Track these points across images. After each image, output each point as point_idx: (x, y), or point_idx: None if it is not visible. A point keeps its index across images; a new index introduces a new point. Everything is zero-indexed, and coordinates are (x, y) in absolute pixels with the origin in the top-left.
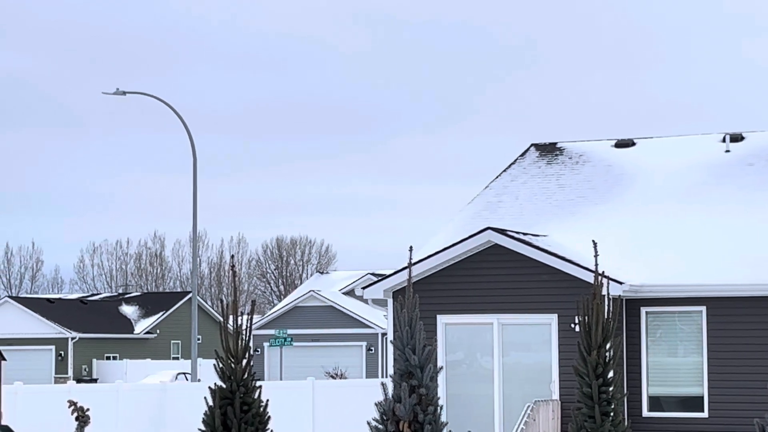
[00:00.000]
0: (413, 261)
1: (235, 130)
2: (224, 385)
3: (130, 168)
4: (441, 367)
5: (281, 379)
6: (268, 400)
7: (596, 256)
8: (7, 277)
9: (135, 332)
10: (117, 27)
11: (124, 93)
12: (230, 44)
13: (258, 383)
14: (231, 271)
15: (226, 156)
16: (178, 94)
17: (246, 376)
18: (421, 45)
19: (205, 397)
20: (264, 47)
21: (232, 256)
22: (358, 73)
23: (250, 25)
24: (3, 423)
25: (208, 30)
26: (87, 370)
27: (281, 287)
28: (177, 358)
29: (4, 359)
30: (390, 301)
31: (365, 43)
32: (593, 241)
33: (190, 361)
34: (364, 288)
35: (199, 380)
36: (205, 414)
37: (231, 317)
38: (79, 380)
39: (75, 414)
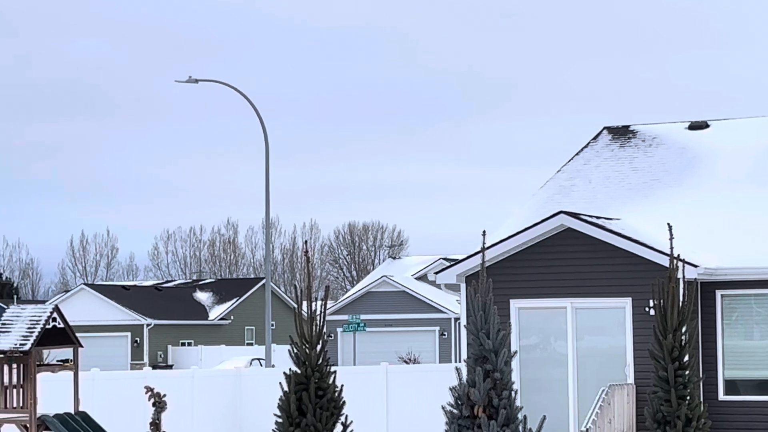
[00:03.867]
0: (486, 245)
1: (307, 116)
2: (299, 371)
3: (203, 155)
4: (515, 352)
5: (354, 364)
6: (342, 385)
7: (671, 239)
8: (83, 264)
9: (209, 319)
10: (190, 15)
11: (197, 81)
12: (302, 30)
13: (332, 368)
14: (305, 257)
15: (299, 142)
16: (251, 80)
17: (321, 361)
18: (492, 30)
19: (280, 383)
20: (336, 32)
21: (306, 242)
22: (428, 57)
23: (321, 11)
24: (80, 409)
25: (280, 17)
26: (162, 356)
27: (353, 273)
28: (251, 344)
29: (81, 346)
30: (463, 286)
31: (435, 27)
32: (668, 224)
33: (264, 347)
34: (436, 273)
35: (273, 366)
36: (280, 399)
37: (305, 303)
38: (154, 366)
39: (152, 400)
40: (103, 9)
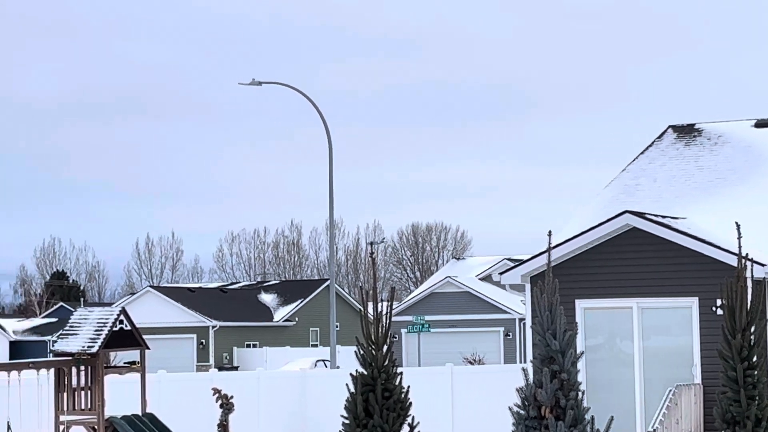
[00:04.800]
0: (551, 245)
1: (370, 117)
2: (366, 372)
3: (266, 157)
4: (582, 352)
5: (419, 365)
6: (409, 387)
7: (739, 238)
8: (149, 267)
9: (274, 320)
10: (253, 17)
11: (260, 83)
12: (365, 31)
13: (398, 370)
14: (370, 259)
15: (362, 143)
16: (314, 82)
17: (387, 362)
18: (555, 30)
19: (347, 384)
20: (399, 32)
21: (371, 243)
22: (494, 57)
23: (383, 12)
24: (147, 411)
25: (342, 18)
26: (228, 357)
27: (417, 273)
28: (315, 346)
29: (148, 348)
30: (528, 286)
31: (504, 27)
32: (736, 222)
33: (328, 348)
34: (501, 273)
35: (338, 367)
36: (347, 400)
37: (370, 305)
38: (220, 368)
39: (219, 401)
40: (166, 13)
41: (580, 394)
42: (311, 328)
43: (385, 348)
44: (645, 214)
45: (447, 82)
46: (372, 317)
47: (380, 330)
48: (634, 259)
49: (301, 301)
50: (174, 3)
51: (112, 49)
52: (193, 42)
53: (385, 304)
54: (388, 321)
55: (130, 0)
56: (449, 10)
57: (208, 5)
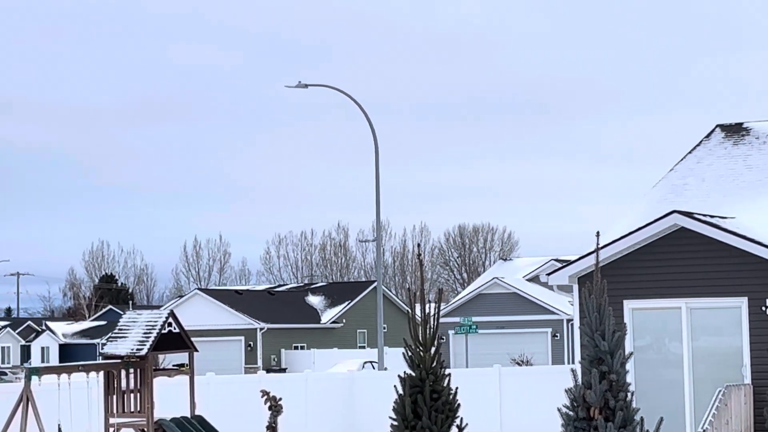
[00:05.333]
0: (599, 246)
1: (416, 118)
2: (414, 374)
3: (313, 159)
4: (631, 353)
5: (467, 366)
6: (457, 388)
7: None
8: (196, 269)
9: (322, 322)
10: (299, 20)
11: (306, 86)
12: (410, 33)
13: (446, 371)
14: (418, 261)
15: (408, 144)
16: (360, 84)
17: (435, 364)
18: (601, 29)
19: (395, 386)
20: (442, 34)
21: (419, 245)
22: (538, 56)
23: (429, 14)
24: (196, 413)
25: (388, 21)
26: (276, 359)
27: (464, 275)
28: (363, 347)
29: (196, 350)
30: (575, 287)
31: (545, 25)
32: None
33: (376, 349)
34: (548, 274)
35: (385, 369)
36: (395, 402)
37: (418, 306)
38: (268, 370)
39: (268, 404)
40: (212, 15)
41: (629, 395)
42: (358, 330)
43: (433, 349)
44: (693, 213)
45: (494, 81)
46: (419, 319)
47: (428, 331)
48: (683, 259)
49: (349, 303)
50: (219, 6)
51: (160, 53)
52: (240, 45)
53: (432, 305)
54: (435, 322)
55: (179, 4)
56: (493, 7)
57: (253, 8)
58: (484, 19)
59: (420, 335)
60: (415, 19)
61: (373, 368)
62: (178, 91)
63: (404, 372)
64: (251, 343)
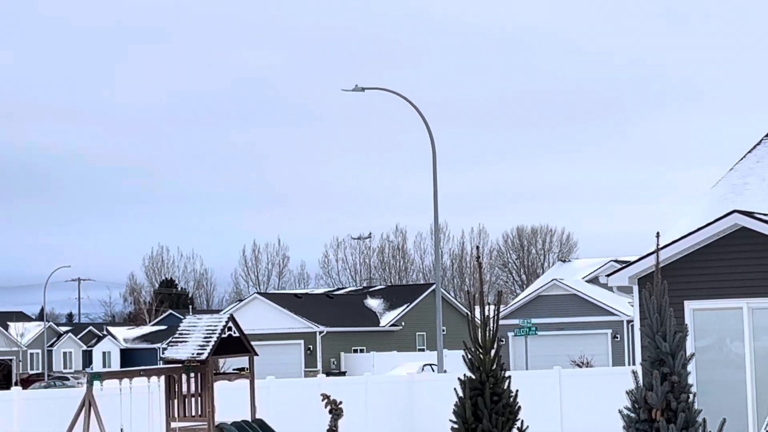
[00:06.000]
0: (659, 246)
1: (473, 120)
2: (474, 376)
3: (370, 163)
4: (692, 354)
5: (527, 368)
6: (517, 390)
7: None
8: (255, 273)
9: (380, 325)
10: (354, 24)
11: (363, 89)
12: (467, 36)
13: (507, 373)
14: (477, 263)
15: (465, 146)
16: (416, 87)
17: (495, 366)
18: (662, 31)
19: (455, 389)
20: (500, 34)
21: (477, 247)
22: (596, 56)
23: (488, 16)
24: (257, 416)
25: (445, 24)
26: (335, 363)
27: (523, 276)
28: (422, 350)
29: (256, 354)
30: (635, 288)
31: (601, 26)
32: None
33: (435, 352)
34: (608, 275)
35: (445, 371)
36: (455, 405)
37: (477, 308)
38: (328, 373)
39: (328, 407)
40: (269, 19)
41: (691, 396)
42: (417, 333)
43: (492, 352)
44: (754, 213)
45: (550, 83)
46: (479, 321)
47: (488, 334)
48: (744, 258)
49: (407, 306)
50: (275, 9)
51: (217, 57)
52: (297, 48)
53: (492, 307)
54: (495, 325)
55: (233, 8)
56: (552, 11)
57: (310, 10)
58: (542, 20)
59: (480, 338)
60: (470, 20)
61: (433, 371)
62: (236, 96)
63: (464, 375)
64: (311, 346)
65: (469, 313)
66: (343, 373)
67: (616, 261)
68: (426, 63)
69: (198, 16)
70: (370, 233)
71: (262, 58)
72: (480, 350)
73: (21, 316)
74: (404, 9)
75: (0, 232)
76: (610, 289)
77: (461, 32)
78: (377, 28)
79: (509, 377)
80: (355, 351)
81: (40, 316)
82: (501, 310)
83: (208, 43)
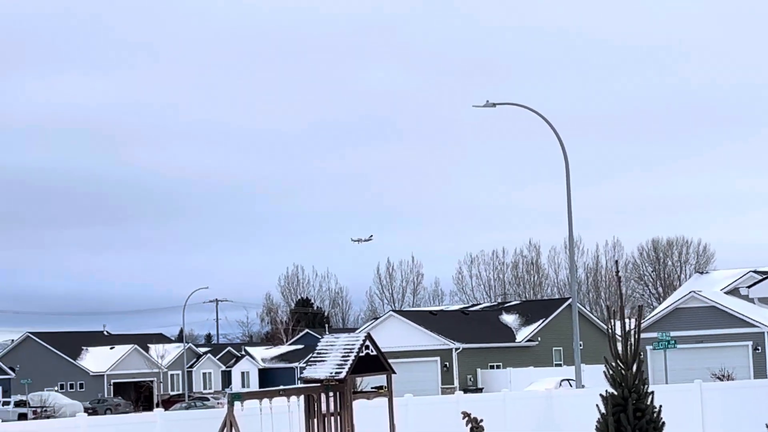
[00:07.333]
0: None
1: (605, 131)
2: (616, 392)
3: (502, 178)
4: None
5: (666, 382)
6: (661, 406)
7: None
8: (390, 291)
9: (516, 341)
10: (484, 41)
11: (494, 105)
12: (595, 45)
13: (649, 388)
14: (616, 277)
15: (596, 159)
16: (544, 100)
17: (637, 381)
18: None
19: (597, 405)
20: (628, 45)
21: (616, 262)
22: (733, 65)
23: (615, 29)
24: None
25: (572, 36)
26: (472, 379)
27: (659, 289)
28: (559, 365)
29: (394, 372)
30: None
31: (737, 34)
32: None
33: (572, 367)
34: (749, 287)
35: (583, 386)
36: (597, 421)
37: (612, 323)
38: (465, 390)
39: (469, 425)
40: (398, 39)
41: None
42: (554, 348)
43: (634, 367)
44: None
45: (682, 93)
46: (620, 336)
47: (629, 349)
48: None
49: (543, 321)
50: (403, 29)
51: (347, 77)
52: (425, 66)
53: (632, 321)
54: (636, 339)
55: (362, 29)
56: (679, 21)
57: (438, 29)
58: (671, 29)
59: (621, 353)
60: (598, 32)
61: (571, 386)
62: (365, 115)
63: (606, 390)
64: (447, 363)
65: (608, 328)
66: (480, 390)
67: (755, 272)
68: (553, 75)
69: (326, 36)
70: (371, 235)
71: (391, 78)
72: (621, 365)
73: (161, 338)
74: (528, 22)
75: (139, 256)
76: (751, 300)
77: (590, 43)
78: (503, 43)
79: (652, 392)
80: (492, 367)
81: (180, 338)
82: (632, 323)
83: (338, 65)
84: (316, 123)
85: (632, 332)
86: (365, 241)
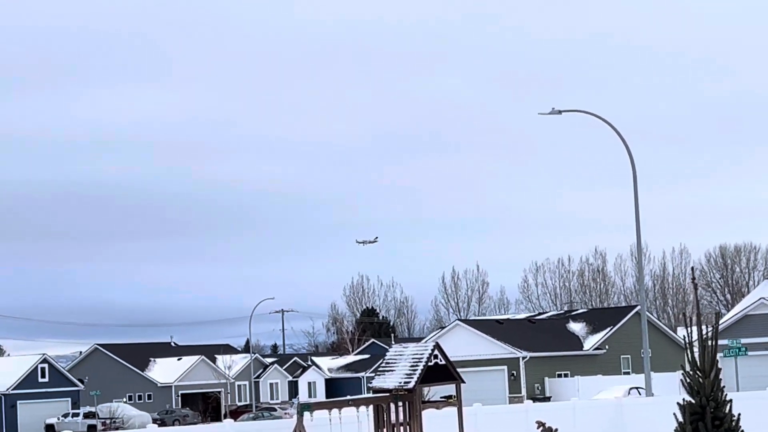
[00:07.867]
0: None
1: (671, 137)
2: (693, 400)
3: (567, 185)
4: None
5: (737, 389)
6: (739, 414)
7: None
8: (455, 300)
9: (584, 349)
10: (548, 47)
11: (560, 112)
12: (663, 50)
13: (728, 396)
14: (692, 285)
15: (663, 165)
16: (612, 106)
17: (715, 389)
18: None
19: (674, 413)
20: (697, 49)
21: (693, 269)
22: None
23: (679, 35)
24: None
25: (638, 42)
26: (539, 388)
27: (727, 296)
28: (627, 373)
29: (463, 381)
30: None
31: None
32: None
33: (641, 375)
34: None
35: (653, 394)
36: (675, 430)
37: (680, 329)
38: (533, 399)
39: None
40: (463, 47)
41: None
42: (622, 356)
43: (712, 375)
44: None
45: (749, 97)
46: (696, 344)
47: (706, 356)
48: None
49: (610, 329)
50: (467, 37)
51: (411, 87)
52: (490, 74)
53: (707, 328)
54: (713, 347)
55: (426, 38)
56: (745, 26)
57: (501, 38)
58: (735, 35)
59: (698, 360)
60: (663, 39)
61: (639, 394)
62: (428, 125)
63: (683, 399)
64: (514, 372)
65: (686, 336)
66: (548, 398)
67: None
68: (618, 82)
69: (388, 48)
70: (376, 237)
71: (456, 86)
72: (699, 373)
73: (228, 349)
74: (592, 31)
75: (205, 268)
76: None
77: (656, 47)
78: (568, 51)
79: (731, 401)
80: (559, 375)
81: (246, 349)
82: (707, 331)
83: (403, 74)
84: (379, 134)
85: (708, 339)
86: (370, 242)
